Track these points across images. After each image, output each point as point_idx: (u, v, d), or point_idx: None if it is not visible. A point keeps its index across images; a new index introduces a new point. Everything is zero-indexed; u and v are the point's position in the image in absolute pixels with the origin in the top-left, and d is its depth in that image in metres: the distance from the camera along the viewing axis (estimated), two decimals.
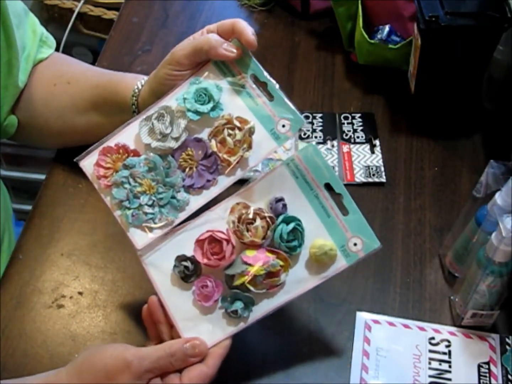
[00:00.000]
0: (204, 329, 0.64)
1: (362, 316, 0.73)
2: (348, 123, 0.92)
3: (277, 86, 0.66)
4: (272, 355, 0.70)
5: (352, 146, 0.89)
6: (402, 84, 0.92)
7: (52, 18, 1.49)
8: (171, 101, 0.68)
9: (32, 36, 0.83)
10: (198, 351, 0.63)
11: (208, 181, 0.67)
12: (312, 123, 0.92)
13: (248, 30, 0.67)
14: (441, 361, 0.70)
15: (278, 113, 0.66)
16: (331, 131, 0.91)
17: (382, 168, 0.86)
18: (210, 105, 0.66)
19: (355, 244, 0.64)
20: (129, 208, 0.66)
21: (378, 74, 0.97)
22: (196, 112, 0.66)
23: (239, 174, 0.66)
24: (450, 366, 0.69)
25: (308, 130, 0.91)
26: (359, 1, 0.93)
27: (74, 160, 0.68)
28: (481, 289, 0.67)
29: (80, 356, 0.62)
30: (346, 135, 0.90)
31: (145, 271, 0.66)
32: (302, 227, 0.65)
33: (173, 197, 0.66)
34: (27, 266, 0.76)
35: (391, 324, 0.72)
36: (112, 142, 0.68)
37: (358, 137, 0.90)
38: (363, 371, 0.69)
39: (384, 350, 0.70)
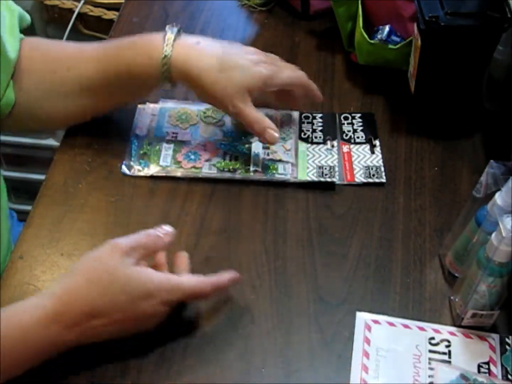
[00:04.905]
0: None
1: (362, 316, 0.73)
2: (348, 123, 0.92)
3: None
4: (272, 355, 0.70)
5: (352, 146, 0.89)
6: (402, 84, 0.92)
7: (52, 18, 1.49)
8: None
9: (9, 15, 0.81)
10: (168, 229, 0.69)
11: None
12: (312, 123, 0.92)
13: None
14: (441, 361, 0.70)
15: None
16: (331, 131, 0.91)
17: (382, 168, 0.86)
18: None
19: None
20: None
21: (378, 74, 0.97)
22: None
23: None
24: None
25: (308, 131, 0.91)
26: (359, 1, 0.93)
27: None
28: (481, 289, 0.67)
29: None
30: (346, 135, 0.90)
31: None
32: None
33: None
34: (27, 266, 0.76)
35: (391, 324, 0.72)
36: None
37: (358, 137, 0.90)
38: (363, 371, 0.69)
39: (384, 350, 0.70)
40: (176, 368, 0.69)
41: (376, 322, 0.72)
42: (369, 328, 0.72)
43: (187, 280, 0.67)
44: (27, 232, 0.79)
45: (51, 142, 1.59)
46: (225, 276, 0.69)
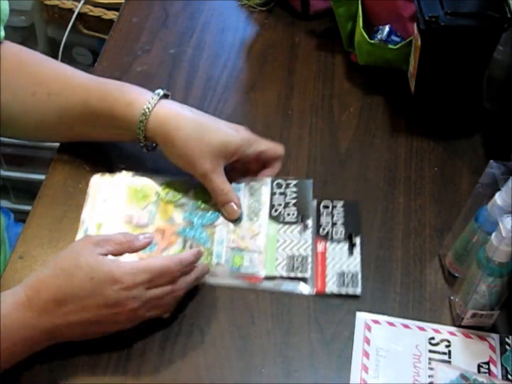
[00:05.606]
0: None
1: (362, 316, 0.73)
2: (327, 214, 0.80)
3: None
4: (272, 355, 0.70)
5: (328, 244, 0.78)
6: (402, 84, 0.92)
7: (52, 18, 1.49)
8: None
9: None
10: (148, 235, 0.73)
11: None
12: (285, 195, 0.81)
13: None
14: (441, 361, 0.70)
15: None
16: (306, 207, 0.80)
17: (359, 277, 0.75)
18: None
19: None
20: None
21: (378, 74, 0.97)
22: None
23: None
24: None
25: (280, 205, 0.80)
26: (359, 1, 0.93)
27: None
28: (481, 289, 0.67)
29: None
30: (324, 229, 0.79)
31: None
32: None
33: None
34: (27, 266, 0.76)
35: (391, 324, 0.72)
36: None
37: (336, 233, 0.78)
38: (363, 371, 0.69)
39: (384, 350, 0.70)
40: (176, 367, 0.69)
41: (376, 322, 0.72)
42: (369, 328, 0.72)
43: (152, 260, 0.69)
44: (27, 232, 0.79)
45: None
46: (189, 252, 0.71)
